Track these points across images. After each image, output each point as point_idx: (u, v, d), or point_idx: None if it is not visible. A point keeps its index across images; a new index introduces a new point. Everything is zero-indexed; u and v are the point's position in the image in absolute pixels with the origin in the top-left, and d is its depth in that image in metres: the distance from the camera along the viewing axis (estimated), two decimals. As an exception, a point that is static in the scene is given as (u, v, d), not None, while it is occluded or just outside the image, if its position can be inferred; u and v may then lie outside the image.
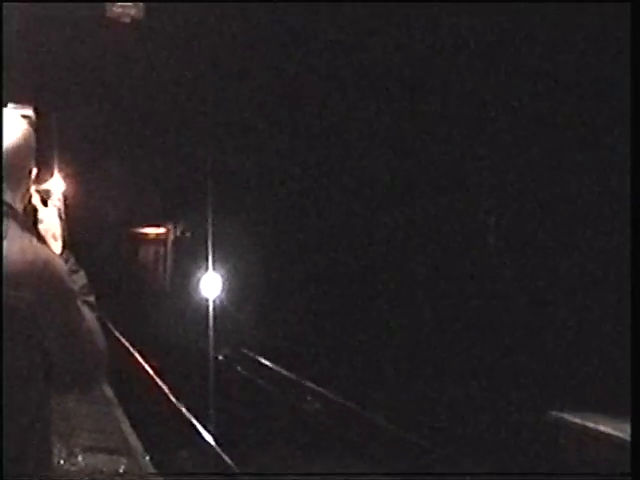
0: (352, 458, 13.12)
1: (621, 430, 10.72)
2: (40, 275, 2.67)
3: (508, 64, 19.31)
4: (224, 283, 23.56)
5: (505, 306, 19.58)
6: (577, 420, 11.37)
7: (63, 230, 3.03)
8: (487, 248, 21.11)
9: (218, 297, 22.68)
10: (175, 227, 26.92)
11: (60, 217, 3.04)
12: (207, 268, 22.46)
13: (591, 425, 11.15)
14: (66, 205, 3.09)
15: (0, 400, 2.62)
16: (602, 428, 11.03)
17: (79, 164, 28.16)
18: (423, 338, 20.78)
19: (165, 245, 27.63)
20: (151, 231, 29.89)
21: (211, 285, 22.73)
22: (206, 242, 21.31)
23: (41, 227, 2.97)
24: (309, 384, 18.19)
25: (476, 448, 12.95)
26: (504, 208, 20.67)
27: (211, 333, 18.85)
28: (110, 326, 22.16)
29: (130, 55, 22.84)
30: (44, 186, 3.05)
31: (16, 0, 11.65)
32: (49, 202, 3.04)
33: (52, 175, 3.36)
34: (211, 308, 20.10)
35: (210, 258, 21.67)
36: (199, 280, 23.59)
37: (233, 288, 23.97)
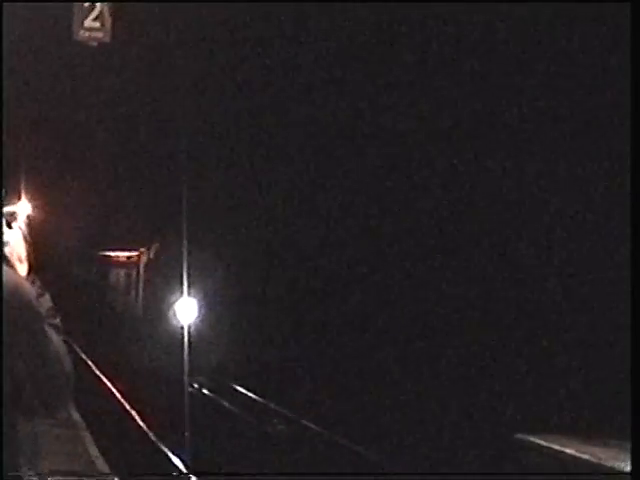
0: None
1: (586, 453, 10.79)
2: (7, 299, 2.69)
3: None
4: (199, 308, 23.08)
5: (476, 328, 19.63)
6: (543, 442, 11.42)
7: (29, 253, 3.04)
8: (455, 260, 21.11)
9: (193, 322, 22.23)
10: (148, 250, 26.39)
11: (25, 240, 3.05)
12: (182, 292, 22.04)
13: (557, 447, 11.20)
14: (32, 227, 3.10)
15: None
16: (568, 451, 11.09)
17: (46, 187, 27.92)
18: (395, 361, 20.77)
19: (137, 268, 27.14)
20: (122, 254, 29.46)
21: (186, 310, 22.22)
22: (181, 265, 20.84)
23: (6, 250, 2.97)
24: (276, 407, 18.30)
25: (440, 471, 13.00)
26: (497, 214, 20.51)
27: (185, 359, 18.62)
28: (77, 350, 21.92)
29: (99, 77, 22.76)
30: (9, 208, 3.05)
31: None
32: (14, 224, 3.04)
33: (19, 198, 3.38)
34: (186, 334, 19.76)
35: (185, 282, 21.17)
36: (173, 305, 23.10)
37: (208, 313, 23.48)
